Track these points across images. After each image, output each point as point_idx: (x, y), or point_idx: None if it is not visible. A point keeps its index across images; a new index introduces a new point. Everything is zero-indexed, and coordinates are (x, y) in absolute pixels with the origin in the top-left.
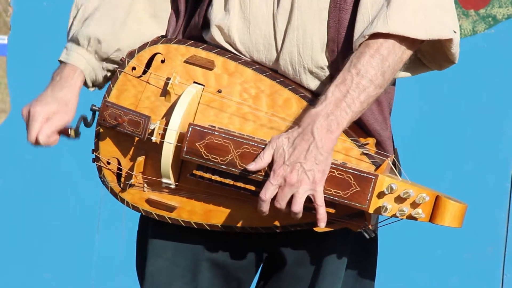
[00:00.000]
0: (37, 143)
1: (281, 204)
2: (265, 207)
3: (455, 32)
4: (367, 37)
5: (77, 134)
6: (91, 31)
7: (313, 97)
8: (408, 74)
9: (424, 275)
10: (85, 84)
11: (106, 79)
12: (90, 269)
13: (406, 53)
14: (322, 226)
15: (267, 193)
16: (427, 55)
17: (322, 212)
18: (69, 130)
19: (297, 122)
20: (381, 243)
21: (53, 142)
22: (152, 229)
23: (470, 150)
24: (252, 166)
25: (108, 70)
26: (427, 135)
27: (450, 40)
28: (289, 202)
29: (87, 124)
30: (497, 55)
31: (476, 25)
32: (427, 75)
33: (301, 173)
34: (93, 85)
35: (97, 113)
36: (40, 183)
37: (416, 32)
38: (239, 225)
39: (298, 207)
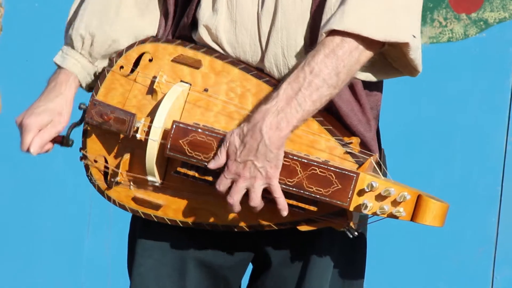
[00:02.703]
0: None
1: (234, 198)
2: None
3: (414, 36)
4: (324, 35)
5: (68, 143)
6: (83, 26)
7: None
8: (373, 78)
9: (413, 277)
10: (81, 86)
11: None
12: (80, 272)
13: (364, 55)
14: (284, 214)
15: (221, 186)
16: (398, 60)
17: (281, 202)
18: (62, 138)
19: None
20: (370, 244)
21: (47, 150)
22: (140, 230)
23: (461, 153)
24: (211, 165)
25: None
26: (418, 138)
27: (406, 44)
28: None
29: (77, 125)
30: (488, 59)
31: (468, 29)
32: (418, 78)
33: (253, 170)
34: (89, 89)
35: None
36: (30, 186)
37: (371, 31)
38: (223, 223)
39: (254, 202)
